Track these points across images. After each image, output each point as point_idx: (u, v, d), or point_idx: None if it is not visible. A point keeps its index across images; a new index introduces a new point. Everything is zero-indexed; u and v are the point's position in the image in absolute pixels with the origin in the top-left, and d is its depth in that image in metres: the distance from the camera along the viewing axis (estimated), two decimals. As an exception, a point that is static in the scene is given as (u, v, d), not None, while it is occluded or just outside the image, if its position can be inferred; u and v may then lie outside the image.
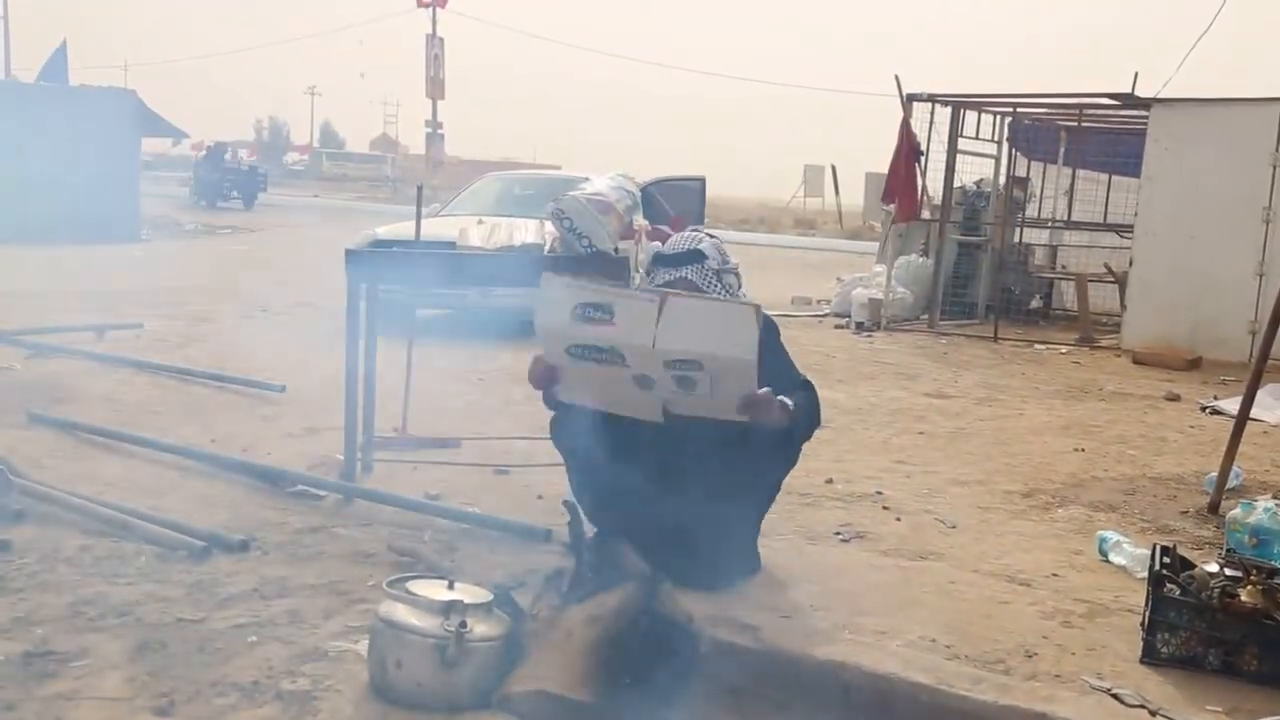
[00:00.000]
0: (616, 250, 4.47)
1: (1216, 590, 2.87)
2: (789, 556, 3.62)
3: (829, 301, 12.70)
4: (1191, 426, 6.60)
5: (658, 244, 3.71)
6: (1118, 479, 5.13)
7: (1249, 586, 2.87)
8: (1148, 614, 2.92)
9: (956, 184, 11.89)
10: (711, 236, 3.52)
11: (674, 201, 10.46)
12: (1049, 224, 12.98)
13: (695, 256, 3.37)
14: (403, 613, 2.58)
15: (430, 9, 41.44)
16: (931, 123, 11.52)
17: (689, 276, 3.33)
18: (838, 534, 3.96)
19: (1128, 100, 10.56)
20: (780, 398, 3.10)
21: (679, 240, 3.46)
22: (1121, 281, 10.88)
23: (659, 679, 2.64)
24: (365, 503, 4.15)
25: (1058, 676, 2.78)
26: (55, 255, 13.87)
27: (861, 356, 9.18)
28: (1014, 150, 12.79)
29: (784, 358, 3.38)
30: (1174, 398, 7.51)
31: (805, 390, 3.29)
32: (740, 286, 3.48)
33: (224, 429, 5.31)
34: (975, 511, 4.41)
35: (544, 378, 3.16)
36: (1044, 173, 13.26)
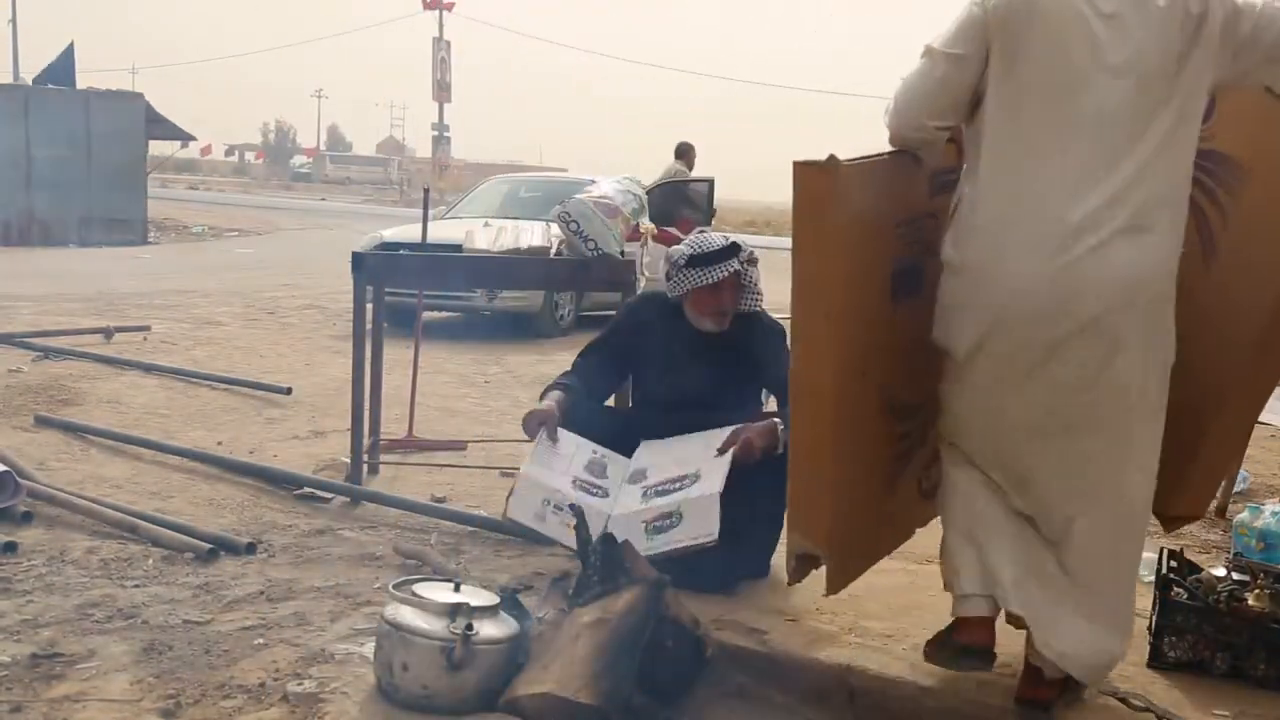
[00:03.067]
0: (622, 253, 4.47)
1: (1224, 594, 2.87)
2: (795, 560, 3.61)
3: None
4: (1198, 430, 6.56)
5: (662, 246, 3.71)
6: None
7: (1256, 590, 2.87)
8: (1155, 618, 2.91)
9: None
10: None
11: (682, 203, 10.43)
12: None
13: (734, 249, 3.43)
14: (409, 615, 2.58)
15: (437, 12, 41.51)
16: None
17: (737, 269, 3.41)
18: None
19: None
20: (763, 423, 3.27)
21: (701, 240, 3.44)
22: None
23: (665, 683, 2.63)
24: (371, 505, 4.16)
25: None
26: (62, 257, 13.91)
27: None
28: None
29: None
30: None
31: None
32: (759, 279, 3.55)
33: (230, 431, 5.32)
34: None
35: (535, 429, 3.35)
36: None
